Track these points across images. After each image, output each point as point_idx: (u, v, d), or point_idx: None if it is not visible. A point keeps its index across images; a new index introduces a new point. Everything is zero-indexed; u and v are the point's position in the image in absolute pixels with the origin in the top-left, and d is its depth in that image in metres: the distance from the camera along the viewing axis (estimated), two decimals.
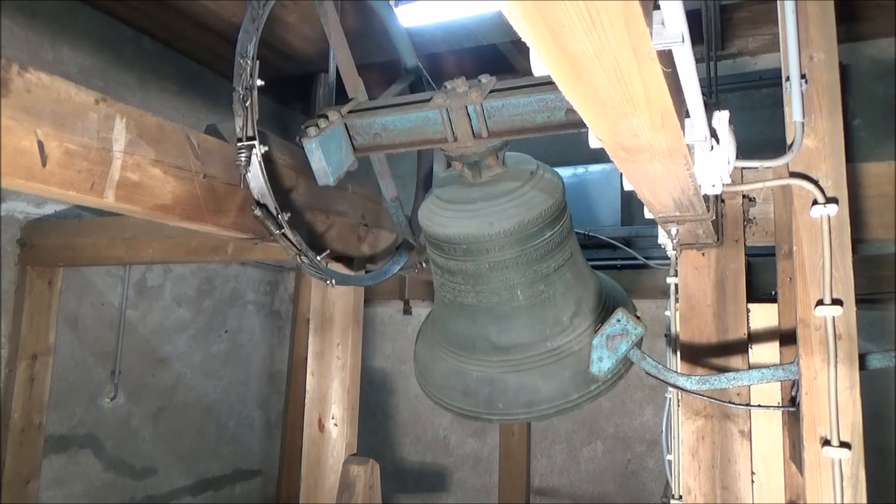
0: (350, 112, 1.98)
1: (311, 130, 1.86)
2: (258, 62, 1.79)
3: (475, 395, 1.90)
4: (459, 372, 1.96)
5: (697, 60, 0.99)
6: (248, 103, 1.78)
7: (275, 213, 1.86)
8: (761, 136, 4.31)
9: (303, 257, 1.95)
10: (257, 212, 1.85)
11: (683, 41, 0.78)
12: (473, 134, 1.78)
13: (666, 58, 0.84)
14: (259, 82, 1.79)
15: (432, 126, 1.85)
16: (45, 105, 1.40)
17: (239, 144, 1.81)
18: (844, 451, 1.35)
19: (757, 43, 4.57)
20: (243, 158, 1.81)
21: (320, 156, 1.89)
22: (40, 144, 1.39)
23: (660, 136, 1.05)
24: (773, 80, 4.31)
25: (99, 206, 1.58)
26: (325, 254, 2.05)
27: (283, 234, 1.89)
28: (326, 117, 1.91)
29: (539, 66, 0.86)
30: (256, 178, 1.83)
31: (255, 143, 1.80)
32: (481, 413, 1.90)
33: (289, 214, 1.90)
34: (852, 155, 4.24)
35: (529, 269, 1.82)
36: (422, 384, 2.12)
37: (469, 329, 1.96)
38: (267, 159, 1.89)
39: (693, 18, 2.68)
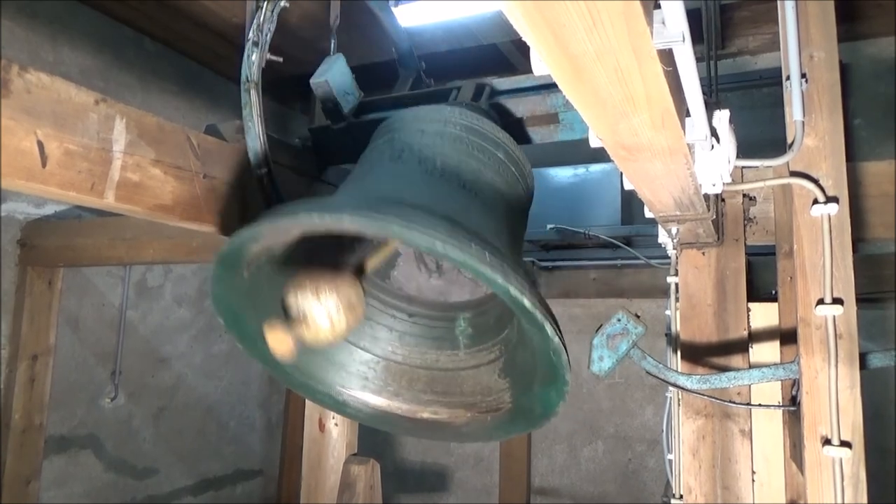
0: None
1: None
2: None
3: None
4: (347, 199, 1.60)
5: (698, 59, 0.99)
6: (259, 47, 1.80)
7: (264, 157, 1.86)
8: (761, 135, 4.30)
9: None
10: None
11: (684, 40, 0.78)
12: None
13: (666, 57, 0.84)
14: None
15: None
16: (45, 106, 1.40)
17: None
18: (845, 450, 1.35)
19: (757, 42, 4.58)
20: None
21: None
22: (40, 145, 1.39)
23: (660, 136, 1.05)
24: (773, 80, 4.31)
25: (99, 206, 1.58)
26: None
27: (262, 177, 1.87)
28: None
29: (539, 65, 0.86)
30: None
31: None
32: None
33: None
34: (853, 154, 4.23)
35: (465, 152, 1.57)
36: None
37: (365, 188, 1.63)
38: (272, 160, 1.89)
39: (693, 17, 2.68)
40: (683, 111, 1.07)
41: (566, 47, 0.77)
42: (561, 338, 1.19)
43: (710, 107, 1.30)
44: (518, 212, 1.63)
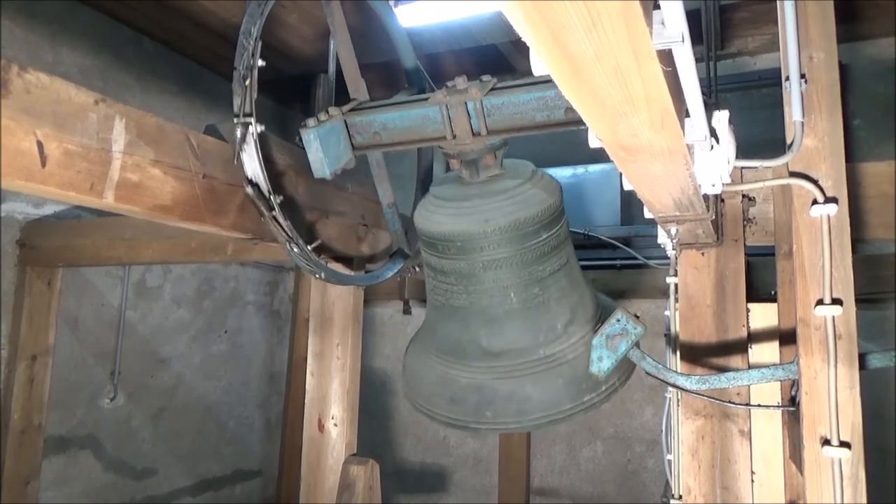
0: (350, 110, 1.98)
1: (311, 122, 1.86)
2: (260, 43, 1.79)
3: (463, 402, 1.82)
4: (447, 379, 1.88)
5: (697, 60, 0.99)
6: (247, 82, 1.78)
7: (267, 194, 1.84)
8: (761, 135, 4.30)
9: (293, 245, 1.92)
10: (249, 190, 1.83)
11: (683, 41, 0.78)
12: (472, 132, 1.78)
13: (666, 57, 0.84)
14: (260, 62, 1.78)
15: (432, 124, 1.85)
16: (44, 106, 1.40)
17: (236, 120, 1.80)
18: (844, 450, 1.35)
19: (756, 43, 4.58)
20: (239, 134, 1.80)
21: (318, 147, 1.88)
22: (40, 145, 1.39)
23: (659, 136, 1.05)
24: (772, 80, 4.31)
25: (98, 206, 1.58)
26: (315, 243, 2.03)
27: (274, 217, 1.86)
28: (327, 113, 1.91)
29: (539, 66, 0.86)
30: (251, 157, 1.81)
31: (252, 120, 1.79)
32: (469, 422, 1.81)
33: (281, 198, 1.87)
34: (852, 154, 4.24)
35: (524, 270, 1.77)
36: (407, 394, 2.03)
37: (459, 333, 1.88)
38: (266, 159, 1.89)
39: (692, 18, 2.68)
40: (683, 112, 1.07)
41: (565, 48, 0.77)
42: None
43: (710, 107, 1.30)
44: (570, 253, 1.92)
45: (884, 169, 2.04)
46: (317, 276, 2.05)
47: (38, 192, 1.44)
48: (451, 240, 1.78)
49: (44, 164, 1.41)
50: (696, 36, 2.56)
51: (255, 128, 1.80)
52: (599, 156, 1.25)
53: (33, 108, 1.37)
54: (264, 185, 1.84)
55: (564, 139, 2.60)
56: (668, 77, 0.85)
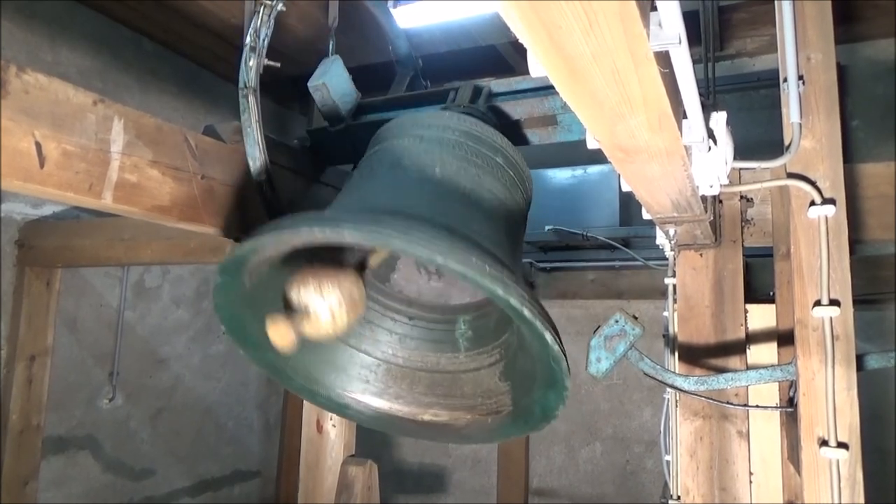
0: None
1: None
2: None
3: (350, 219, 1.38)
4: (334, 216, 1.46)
5: (695, 61, 0.99)
6: (256, 52, 1.79)
7: (264, 164, 1.85)
8: (759, 136, 4.31)
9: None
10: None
11: (680, 42, 0.78)
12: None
13: (663, 59, 0.84)
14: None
15: None
16: (43, 106, 1.40)
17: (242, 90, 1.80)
18: (842, 451, 1.35)
19: (755, 44, 4.58)
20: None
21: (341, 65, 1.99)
22: (38, 146, 1.39)
23: (657, 138, 1.05)
24: (771, 81, 4.30)
25: (97, 207, 1.58)
26: None
27: (263, 185, 1.86)
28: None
29: (536, 67, 0.86)
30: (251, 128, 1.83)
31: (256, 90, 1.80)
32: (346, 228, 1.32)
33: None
34: (851, 155, 4.25)
35: (463, 159, 1.56)
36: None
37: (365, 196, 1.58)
38: (270, 161, 1.89)
39: (691, 19, 2.68)
40: (680, 113, 1.07)
41: (563, 49, 0.77)
42: (561, 346, 1.20)
43: (707, 109, 1.30)
44: (517, 216, 1.63)
45: (882, 170, 2.05)
46: None
47: (36, 192, 1.44)
48: (400, 122, 1.69)
49: (42, 165, 1.41)
50: (695, 37, 2.57)
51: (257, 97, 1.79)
52: (598, 157, 1.25)
53: (32, 108, 1.37)
54: (262, 158, 1.84)
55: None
56: (665, 79, 0.85)
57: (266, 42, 1.84)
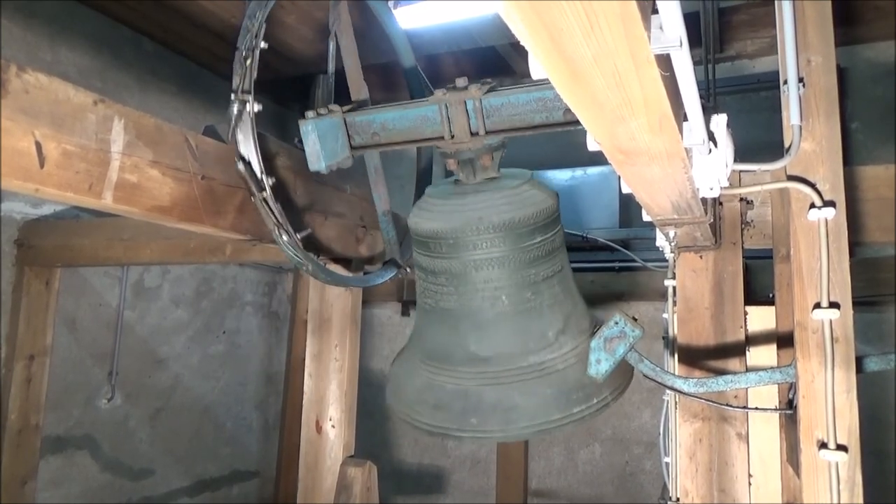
0: (350, 110, 1.98)
1: (310, 114, 1.87)
2: (265, 26, 1.79)
3: (447, 409, 1.72)
4: (432, 385, 1.79)
5: (695, 63, 0.99)
6: (248, 62, 1.77)
7: (259, 174, 1.83)
8: (759, 138, 4.31)
9: (281, 231, 1.90)
10: (241, 167, 1.80)
11: (681, 45, 0.78)
12: (471, 131, 1.78)
13: (664, 62, 0.84)
14: (263, 45, 1.78)
15: (430, 125, 1.85)
16: (43, 106, 1.40)
17: (233, 97, 1.79)
18: (841, 454, 1.35)
19: (755, 46, 4.58)
20: (235, 111, 1.79)
21: (315, 139, 1.87)
22: (38, 145, 1.39)
23: (658, 140, 1.05)
24: (771, 83, 4.31)
25: (97, 207, 1.58)
26: (305, 232, 2.01)
27: (264, 200, 1.84)
28: (327, 108, 1.92)
29: (537, 69, 0.86)
30: (246, 135, 1.81)
31: (250, 98, 1.78)
32: (452, 429, 1.70)
33: (273, 180, 1.86)
34: (850, 158, 4.25)
35: (516, 272, 1.71)
36: (391, 403, 1.93)
37: (447, 337, 1.80)
38: (265, 158, 1.88)
39: (691, 21, 2.68)
40: (681, 115, 1.07)
41: (564, 51, 0.77)
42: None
43: (708, 111, 1.30)
44: (564, 261, 1.87)
45: (882, 172, 2.05)
46: (304, 269, 2.00)
47: (36, 192, 1.44)
48: (442, 237, 1.73)
49: (42, 165, 1.40)
50: (695, 39, 2.57)
51: (253, 106, 1.79)
52: (598, 158, 1.25)
53: (32, 108, 1.37)
54: (257, 164, 1.83)
55: (563, 141, 2.60)
56: (666, 81, 0.85)
57: (259, 41, 1.82)
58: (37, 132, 1.38)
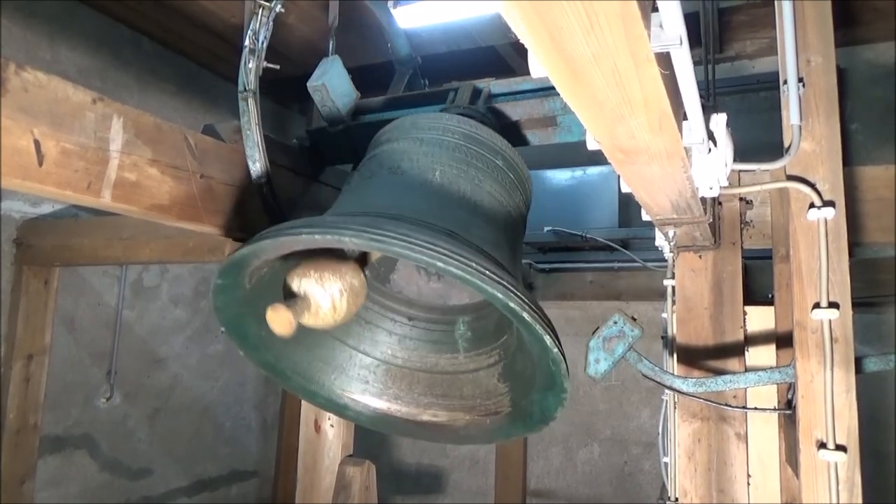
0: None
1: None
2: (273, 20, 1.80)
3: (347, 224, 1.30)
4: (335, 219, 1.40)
5: (695, 63, 0.99)
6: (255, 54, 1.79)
7: (263, 167, 1.85)
8: (759, 139, 4.31)
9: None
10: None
11: (682, 44, 0.78)
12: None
13: (664, 60, 0.84)
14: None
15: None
16: (42, 104, 1.39)
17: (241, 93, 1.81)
18: (840, 454, 1.35)
19: (755, 46, 4.59)
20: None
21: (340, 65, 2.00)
22: (37, 144, 1.39)
23: (657, 139, 1.05)
24: (771, 84, 4.30)
25: (96, 205, 1.57)
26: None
27: (262, 187, 1.85)
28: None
29: (537, 67, 0.86)
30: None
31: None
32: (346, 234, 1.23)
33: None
34: (850, 159, 4.25)
35: (462, 164, 1.54)
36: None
37: (358, 200, 1.55)
38: (270, 160, 1.89)
39: (691, 21, 2.68)
40: (681, 115, 1.07)
41: (563, 50, 0.77)
42: (560, 349, 1.20)
43: (707, 110, 1.30)
44: (517, 218, 1.63)
45: (881, 173, 2.05)
46: None
47: (35, 190, 1.43)
48: (400, 124, 1.66)
49: (41, 163, 1.40)
50: (695, 38, 2.57)
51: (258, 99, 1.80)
52: (598, 158, 1.24)
53: (31, 106, 1.36)
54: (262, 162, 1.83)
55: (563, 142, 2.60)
56: (666, 80, 0.85)
57: (265, 44, 1.85)
58: (36, 130, 1.38)
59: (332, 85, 2.02)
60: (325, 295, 1.26)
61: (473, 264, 1.12)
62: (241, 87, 1.87)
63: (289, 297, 1.28)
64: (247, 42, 1.86)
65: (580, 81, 0.86)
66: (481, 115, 1.92)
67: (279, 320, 1.19)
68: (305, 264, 1.29)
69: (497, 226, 1.52)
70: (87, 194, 1.52)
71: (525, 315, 1.13)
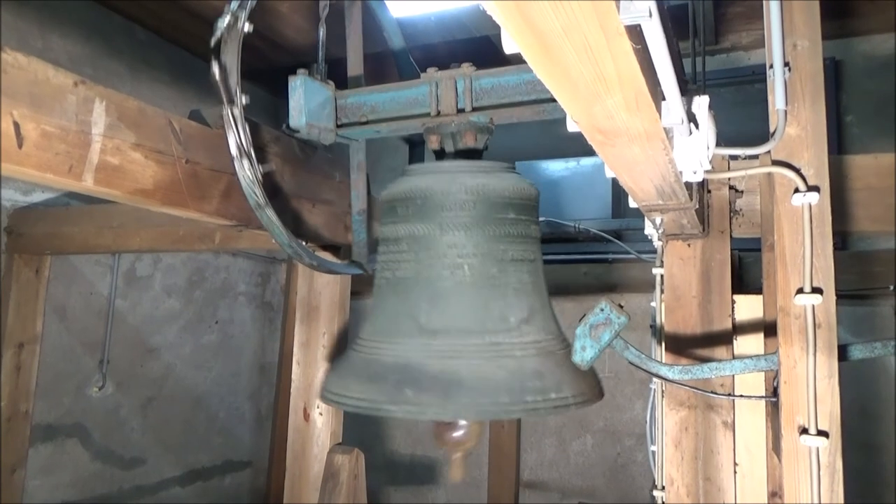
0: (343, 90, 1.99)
1: (302, 71, 1.86)
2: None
3: (381, 380, 1.48)
4: (370, 360, 1.57)
5: (685, 54, 0.98)
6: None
7: (248, 156, 1.79)
8: (755, 130, 4.29)
9: (266, 210, 1.85)
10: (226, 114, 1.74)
11: (651, 16, 0.77)
12: (457, 108, 1.79)
13: (635, 34, 0.83)
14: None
15: (420, 106, 1.87)
16: (21, 86, 1.38)
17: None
18: (822, 439, 1.35)
19: (750, 38, 4.58)
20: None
21: (301, 94, 1.87)
22: (16, 126, 1.38)
23: (635, 119, 1.04)
24: (765, 76, 4.30)
25: (78, 189, 1.56)
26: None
27: (247, 176, 1.77)
28: (323, 79, 1.92)
29: (510, 43, 0.85)
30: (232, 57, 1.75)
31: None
32: (382, 402, 1.45)
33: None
34: (845, 151, 4.24)
35: (485, 243, 1.56)
36: (323, 388, 1.67)
37: (396, 308, 1.60)
38: (255, 146, 1.87)
39: (682, 12, 2.67)
40: (658, 94, 1.06)
41: (533, 23, 0.76)
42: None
43: (690, 93, 1.29)
44: (537, 253, 1.72)
45: (870, 161, 2.04)
46: (290, 251, 1.91)
47: (14, 173, 1.43)
48: (412, 197, 1.60)
49: (20, 146, 1.39)
50: (687, 30, 2.55)
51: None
52: (591, 149, 1.23)
53: (9, 88, 1.35)
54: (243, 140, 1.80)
55: (556, 132, 2.59)
56: (638, 55, 0.84)
57: (244, 25, 1.79)
58: (15, 112, 1.37)
59: (312, 112, 1.97)
60: (460, 445, 1.66)
61: (528, 401, 1.44)
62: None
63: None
64: (223, 23, 1.81)
65: (552, 57, 0.85)
66: (476, 129, 1.84)
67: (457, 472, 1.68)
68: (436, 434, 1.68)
69: (525, 285, 1.63)
70: (69, 177, 1.51)
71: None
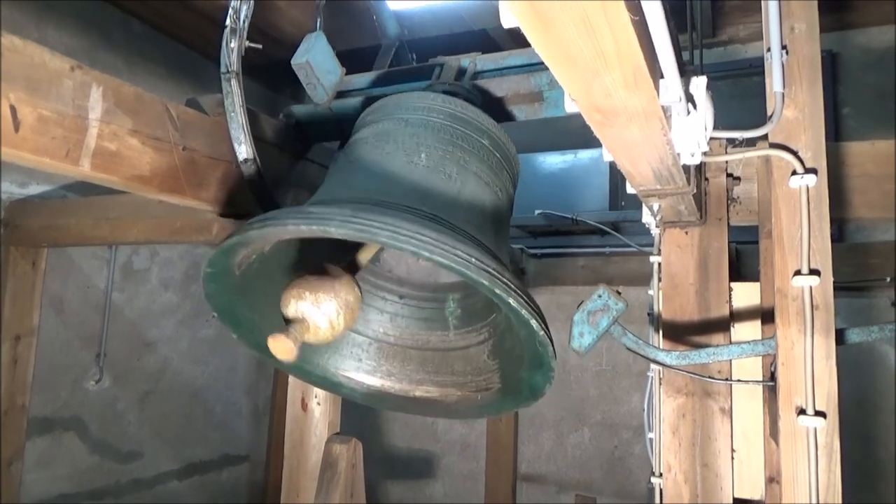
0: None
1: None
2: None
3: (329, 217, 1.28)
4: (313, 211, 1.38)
5: (683, 48, 0.98)
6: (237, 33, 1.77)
7: (249, 148, 1.84)
8: (753, 122, 4.31)
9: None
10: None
11: None
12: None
13: (633, 7, 0.83)
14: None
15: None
16: (17, 70, 1.38)
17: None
18: (819, 420, 1.35)
19: (748, 31, 4.59)
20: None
21: (313, 43, 2.00)
22: (13, 109, 1.38)
23: (634, 97, 1.04)
24: (763, 68, 4.31)
25: (74, 174, 1.56)
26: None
27: (248, 167, 1.83)
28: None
29: (508, 17, 0.85)
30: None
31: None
32: (327, 223, 1.21)
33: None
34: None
35: (450, 145, 1.53)
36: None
37: (347, 179, 1.56)
38: (254, 135, 1.88)
39: (683, 5, 2.67)
40: (657, 71, 1.06)
41: None
42: (547, 331, 1.24)
43: (688, 73, 1.29)
44: (503, 199, 1.64)
45: (867, 148, 2.04)
46: None
47: (11, 157, 1.42)
48: (385, 103, 1.65)
49: (17, 129, 1.39)
50: (685, 23, 2.56)
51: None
52: (590, 142, 1.23)
53: (6, 71, 1.35)
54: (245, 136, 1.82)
55: (556, 125, 2.59)
56: (637, 28, 0.84)
57: (247, 23, 1.82)
58: (11, 96, 1.37)
59: (316, 61, 2.00)
60: (322, 316, 1.28)
61: (458, 252, 1.15)
62: (223, 69, 1.85)
63: (286, 320, 1.30)
64: (228, 21, 1.84)
65: (551, 32, 0.85)
66: (466, 91, 1.92)
67: (281, 348, 1.22)
68: (299, 285, 1.30)
69: (483, 207, 1.54)
70: (66, 162, 1.51)
71: (511, 301, 1.16)
